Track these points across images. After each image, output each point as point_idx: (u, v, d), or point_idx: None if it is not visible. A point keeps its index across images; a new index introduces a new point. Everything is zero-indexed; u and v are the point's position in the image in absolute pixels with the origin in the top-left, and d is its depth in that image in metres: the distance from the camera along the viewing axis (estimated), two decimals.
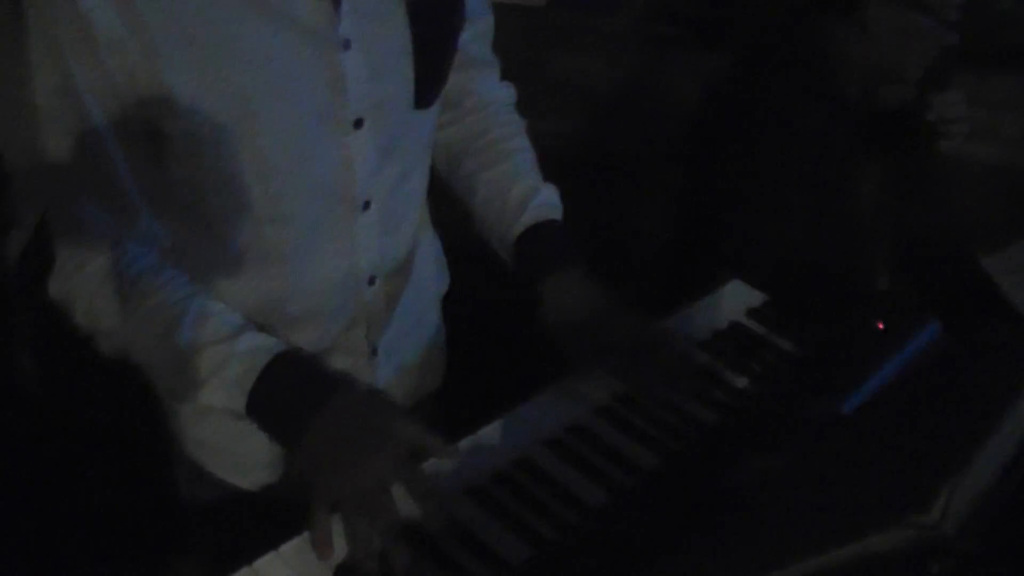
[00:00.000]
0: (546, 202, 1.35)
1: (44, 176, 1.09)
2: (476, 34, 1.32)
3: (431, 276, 1.43)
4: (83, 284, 1.11)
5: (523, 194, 1.34)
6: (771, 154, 1.76)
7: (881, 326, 1.30)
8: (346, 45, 1.07)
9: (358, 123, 1.12)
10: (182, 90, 1.01)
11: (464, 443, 1.13)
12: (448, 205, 1.43)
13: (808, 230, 1.76)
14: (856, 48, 1.77)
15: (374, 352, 1.31)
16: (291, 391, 1.08)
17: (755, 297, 1.39)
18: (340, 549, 1.01)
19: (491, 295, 1.44)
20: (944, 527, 0.77)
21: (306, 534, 1.02)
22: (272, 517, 1.12)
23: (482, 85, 1.39)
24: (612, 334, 1.23)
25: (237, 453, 1.27)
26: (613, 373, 1.22)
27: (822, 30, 1.80)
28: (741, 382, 1.23)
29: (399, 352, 1.37)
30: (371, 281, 1.25)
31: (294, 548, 1.02)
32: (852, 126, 1.85)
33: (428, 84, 1.19)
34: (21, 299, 2.10)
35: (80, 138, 1.05)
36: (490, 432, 1.15)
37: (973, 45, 1.81)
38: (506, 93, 1.42)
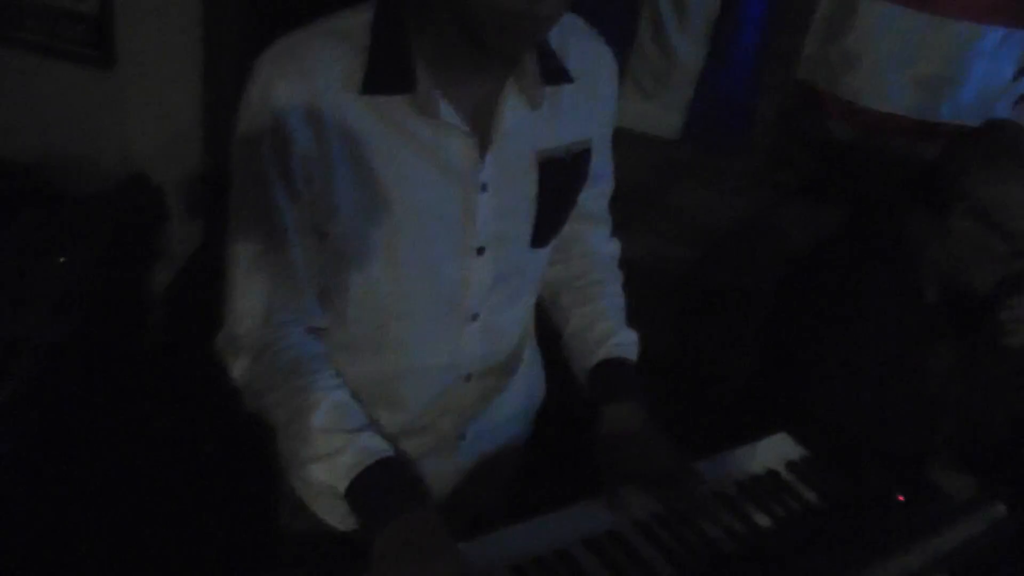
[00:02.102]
0: (623, 343, 1.56)
1: (232, 255, 1.33)
2: (597, 194, 1.56)
3: (525, 386, 1.63)
4: (247, 347, 1.34)
5: (604, 332, 1.56)
6: (850, 320, 1.86)
7: (901, 499, 1.48)
8: (483, 188, 1.32)
9: (480, 251, 1.36)
10: (347, 205, 1.27)
11: (519, 527, 1.34)
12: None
13: (875, 397, 1.86)
14: (935, 249, 1.87)
15: (461, 437, 1.54)
16: (383, 491, 1.27)
17: (796, 451, 1.57)
18: None
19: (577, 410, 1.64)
20: None
21: None
22: (355, 553, 1.32)
23: (593, 237, 1.62)
24: (650, 462, 1.43)
25: (337, 500, 1.48)
26: (646, 491, 1.41)
27: (908, 222, 1.91)
28: (763, 520, 1.42)
29: (483, 442, 1.58)
30: (468, 378, 1.48)
31: None
32: (929, 311, 1.94)
33: (545, 229, 1.43)
34: (160, 335, 2.33)
35: (268, 224, 1.29)
36: (541, 522, 1.36)
37: None
38: (612, 248, 1.65)
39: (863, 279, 1.89)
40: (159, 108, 2.67)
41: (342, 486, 1.27)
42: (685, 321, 2.76)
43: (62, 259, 2.06)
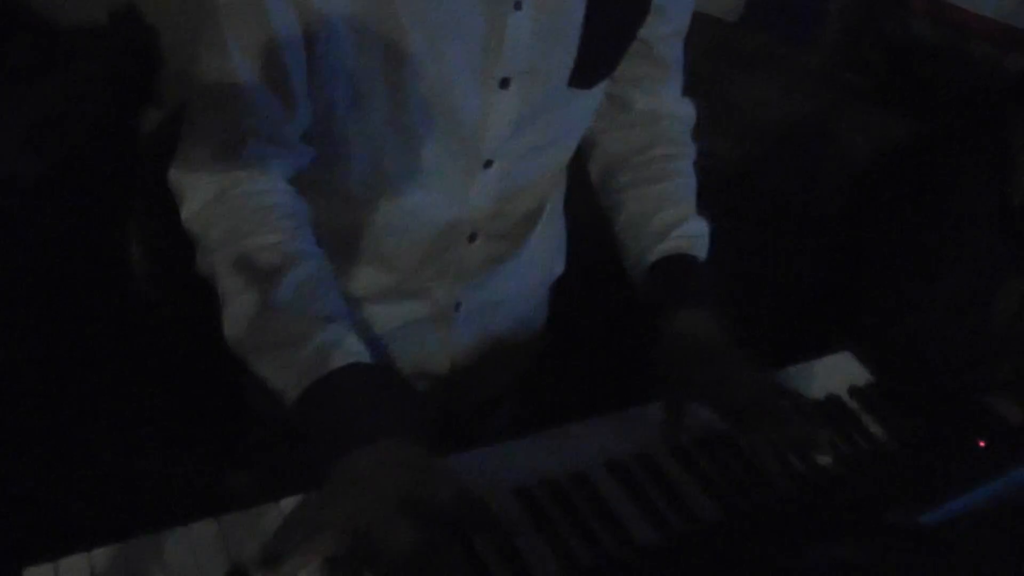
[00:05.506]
0: (693, 234, 1.27)
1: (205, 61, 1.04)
2: (668, 32, 1.25)
3: (540, 258, 1.38)
4: (208, 181, 1.06)
5: (670, 220, 1.26)
6: (927, 235, 1.72)
7: (983, 444, 1.24)
8: (517, 5, 1.04)
9: (504, 83, 1.08)
10: (342, 5, 1.00)
11: (527, 440, 1.10)
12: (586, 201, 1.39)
13: (939, 323, 1.71)
14: None
15: (457, 307, 1.30)
16: (350, 402, 0.95)
17: (861, 375, 1.32)
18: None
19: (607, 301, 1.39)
20: None
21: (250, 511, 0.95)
22: None
23: (661, 91, 1.31)
24: (730, 387, 1.13)
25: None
26: (724, 421, 1.13)
27: (1011, 121, 1.73)
28: (824, 459, 1.17)
29: (485, 318, 1.34)
30: (472, 238, 1.23)
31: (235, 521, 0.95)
32: (1010, 233, 1.77)
33: (591, 64, 1.14)
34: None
35: (259, 25, 1.01)
36: (555, 436, 1.12)
37: None
38: (685, 111, 1.34)
39: (950, 189, 1.75)
40: None
41: (293, 392, 0.96)
42: (730, 224, 2.52)
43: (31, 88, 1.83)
